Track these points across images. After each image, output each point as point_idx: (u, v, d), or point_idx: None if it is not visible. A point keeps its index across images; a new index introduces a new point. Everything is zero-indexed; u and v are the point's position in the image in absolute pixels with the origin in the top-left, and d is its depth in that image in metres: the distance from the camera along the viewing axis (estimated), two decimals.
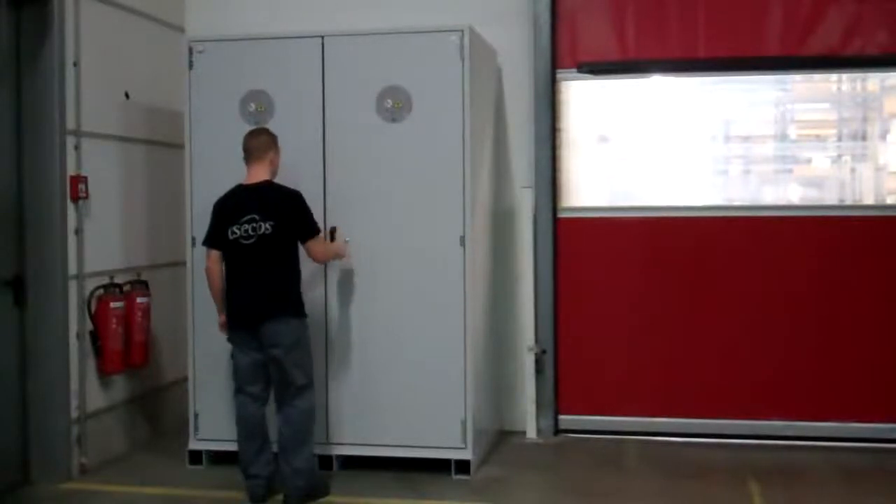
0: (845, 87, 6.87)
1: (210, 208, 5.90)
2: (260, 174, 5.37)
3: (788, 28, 6.54)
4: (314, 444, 5.45)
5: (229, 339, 5.41)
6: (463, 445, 5.78)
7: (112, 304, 6.02)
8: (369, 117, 5.81)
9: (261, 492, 5.34)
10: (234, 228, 5.29)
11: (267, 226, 5.25)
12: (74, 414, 5.84)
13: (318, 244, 5.45)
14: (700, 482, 5.73)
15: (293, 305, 5.37)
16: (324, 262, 5.70)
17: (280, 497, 5.35)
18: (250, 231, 5.26)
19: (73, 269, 5.82)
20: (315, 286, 5.81)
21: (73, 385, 5.83)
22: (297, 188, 5.42)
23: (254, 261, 5.29)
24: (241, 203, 5.32)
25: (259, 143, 5.38)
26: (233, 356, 5.40)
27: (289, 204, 5.34)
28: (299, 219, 5.36)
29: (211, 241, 5.43)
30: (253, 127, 5.79)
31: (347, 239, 5.74)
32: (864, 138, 6.73)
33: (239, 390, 5.39)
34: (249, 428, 5.37)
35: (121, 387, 6.34)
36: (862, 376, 6.50)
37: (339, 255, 5.68)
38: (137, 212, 6.54)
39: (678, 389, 6.70)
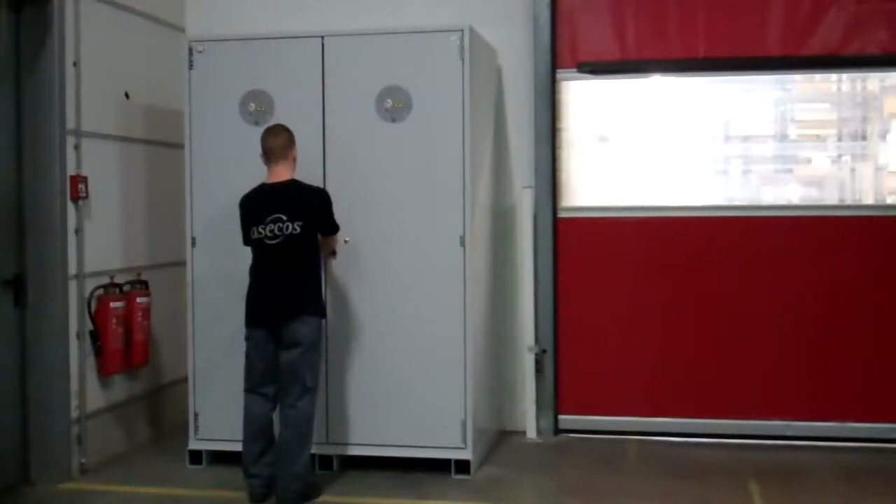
0: (845, 87, 6.87)
1: (210, 208, 5.94)
2: (283, 173, 5.37)
3: (788, 28, 6.54)
4: (312, 446, 5.45)
5: (246, 338, 5.39)
6: (463, 445, 5.78)
7: (112, 304, 6.01)
8: (369, 117, 5.81)
9: (261, 491, 5.33)
10: (259, 228, 5.29)
11: (295, 226, 5.25)
12: (74, 414, 5.84)
13: (335, 239, 5.62)
14: (700, 482, 5.73)
15: (316, 305, 5.40)
16: (327, 255, 5.74)
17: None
18: (276, 231, 5.26)
19: (73, 269, 5.81)
20: None
21: (73, 385, 5.83)
22: None
23: (279, 260, 5.30)
24: (266, 203, 5.32)
25: (280, 141, 5.37)
26: (247, 356, 5.38)
27: (318, 205, 5.39)
28: (327, 219, 5.45)
29: (246, 241, 5.45)
30: (253, 126, 5.81)
31: (347, 239, 5.75)
32: (864, 138, 6.73)
33: (250, 390, 5.38)
34: (257, 428, 5.36)
35: (121, 387, 6.33)
36: (862, 376, 6.50)
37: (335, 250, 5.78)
38: (137, 212, 6.54)
39: (678, 389, 6.70)
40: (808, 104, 6.98)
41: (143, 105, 6.58)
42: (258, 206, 5.34)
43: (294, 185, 5.38)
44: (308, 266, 5.39)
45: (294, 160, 5.43)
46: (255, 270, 5.41)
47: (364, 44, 5.87)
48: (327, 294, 5.79)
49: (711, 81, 6.80)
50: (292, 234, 5.26)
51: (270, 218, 5.27)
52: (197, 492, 5.59)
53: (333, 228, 5.53)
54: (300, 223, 5.27)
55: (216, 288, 5.94)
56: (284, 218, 5.26)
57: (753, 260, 6.60)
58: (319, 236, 5.48)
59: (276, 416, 5.43)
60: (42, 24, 5.68)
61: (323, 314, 5.48)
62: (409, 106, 5.77)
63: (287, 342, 5.27)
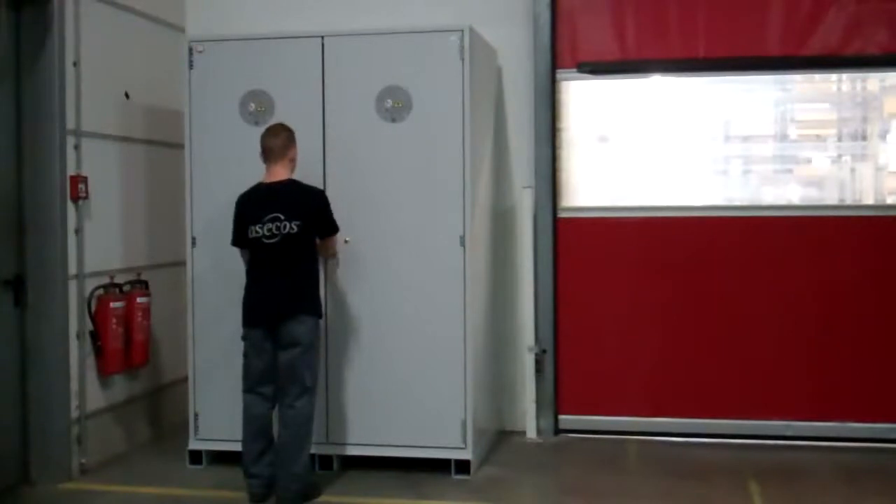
0: (845, 87, 6.87)
1: (210, 208, 5.93)
2: (281, 173, 5.37)
3: (788, 28, 6.54)
4: (311, 446, 5.45)
5: (244, 338, 5.38)
6: (463, 445, 5.78)
7: (112, 304, 6.01)
8: (369, 117, 5.80)
9: (261, 491, 5.33)
10: (257, 227, 5.29)
11: (293, 225, 5.25)
12: (74, 414, 5.84)
13: (334, 241, 5.60)
14: (700, 482, 5.73)
15: (313, 305, 5.39)
16: (327, 257, 5.74)
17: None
18: (273, 230, 5.25)
19: (73, 269, 5.81)
20: None
21: (73, 385, 5.83)
22: None
23: (276, 260, 5.29)
24: (264, 202, 5.31)
25: (278, 142, 5.37)
26: (245, 355, 5.38)
27: (317, 205, 5.39)
28: (325, 219, 5.44)
29: (236, 240, 5.45)
30: (253, 126, 5.80)
31: (347, 239, 5.75)
32: (864, 138, 6.73)
33: (249, 390, 5.37)
34: (256, 428, 5.35)
35: (121, 387, 6.33)
36: (862, 376, 6.50)
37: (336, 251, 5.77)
38: (137, 212, 6.54)
39: (678, 389, 6.70)
40: (808, 104, 6.98)
41: (143, 105, 6.58)
42: (256, 205, 5.34)
43: (292, 185, 5.38)
44: (306, 266, 5.39)
45: (292, 160, 5.42)
46: (252, 270, 5.41)
47: (364, 44, 5.87)
48: (327, 294, 5.79)
49: (711, 81, 6.80)
50: (290, 234, 5.26)
51: (268, 217, 5.27)
52: (197, 492, 5.59)
53: (332, 229, 5.52)
54: (298, 223, 5.26)
55: (216, 288, 5.94)
56: (282, 217, 5.25)
57: (753, 260, 6.60)
58: (318, 240, 5.47)
59: (275, 416, 5.43)
60: (42, 24, 5.68)
61: (320, 314, 5.47)
62: (409, 106, 5.77)
63: (285, 342, 5.27)
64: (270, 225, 5.27)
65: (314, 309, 5.40)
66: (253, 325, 5.34)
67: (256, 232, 5.30)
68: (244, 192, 5.42)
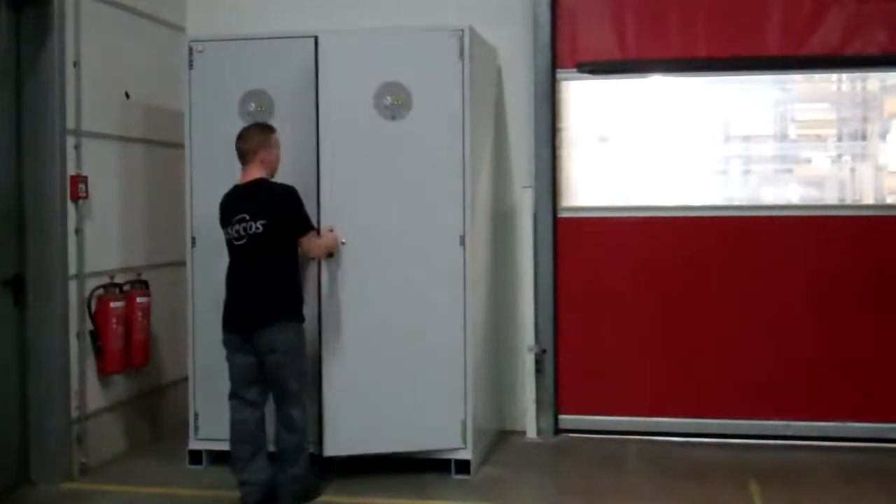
0: (845, 87, 6.87)
1: (210, 208, 5.91)
2: (252, 174, 5.33)
3: (788, 28, 6.54)
4: (309, 446, 5.45)
5: (223, 343, 5.36)
6: (463, 445, 5.78)
7: (112, 304, 6.01)
8: (369, 116, 5.79)
9: (255, 499, 5.27)
10: (228, 229, 5.28)
11: (258, 225, 5.18)
12: (74, 414, 5.84)
13: (310, 240, 5.38)
14: (700, 482, 5.73)
15: (289, 309, 5.31)
16: (317, 258, 5.59)
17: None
18: (241, 231, 5.21)
19: (73, 269, 5.82)
20: (313, 286, 5.79)
21: (73, 385, 5.83)
22: (296, 186, 5.41)
23: (247, 262, 5.25)
24: (234, 203, 5.29)
25: (248, 146, 5.33)
26: (227, 360, 5.35)
27: (281, 200, 5.26)
28: (292, 215, 5.28)
29: None
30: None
31: (343, 241, 5.71)
32: (864, 138, 6.73)
33: (233, 395, 5.35)
34: (242, 433, 5.31)
35: (121, 387, 6.33)
36: (862, 376, 6.50)
37: (330, 251, 5.55)
38: (137, 212, 6.54)
39: (678, 389, 6.70)
40: (808, 104, 6.99)
41: (143, 105, 6.58)
42: (228, 207, 5.31)
43: (259, 184, 5.30)
44: (280, 267, 5.28)
45: (263, 161, 5.34)
46: (229, 273, 5.37)
47: (364, 43, 5.86)
48: (327, 295, 5.77)
49: (711, 81, 6.80)
50: (256, 234, 5.19)
51: (236, 218, 5.23)
52: (197, 492, 5.59)
53: (303, 227, 5.33)
54: (263, 222, 5.18)
55: (216, 288, 5.90)
56: (247, 217, 5.20)
57: (753, 260, 6.59)
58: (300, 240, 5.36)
59: (269, 418, 5.42)
60: (42, 24, 5.68)
61: (301, 318, 5.38)
62: (409, 106, 5.75)
63: (262, 349, 5.21)
64: (237, 226, 5.22)
65: (293, 314, 5.31)
66: (230, 331, 5.30)
67: (228, 233, 5.28)
68: (224, 195, 5.39)
